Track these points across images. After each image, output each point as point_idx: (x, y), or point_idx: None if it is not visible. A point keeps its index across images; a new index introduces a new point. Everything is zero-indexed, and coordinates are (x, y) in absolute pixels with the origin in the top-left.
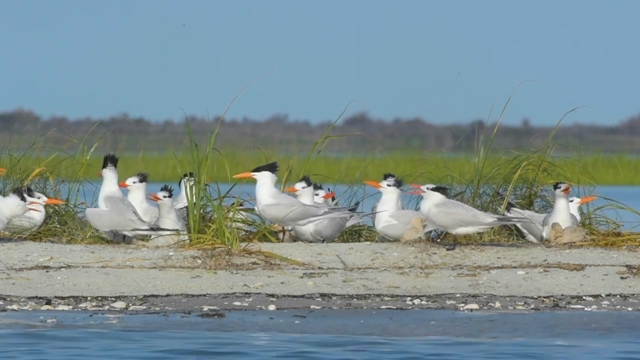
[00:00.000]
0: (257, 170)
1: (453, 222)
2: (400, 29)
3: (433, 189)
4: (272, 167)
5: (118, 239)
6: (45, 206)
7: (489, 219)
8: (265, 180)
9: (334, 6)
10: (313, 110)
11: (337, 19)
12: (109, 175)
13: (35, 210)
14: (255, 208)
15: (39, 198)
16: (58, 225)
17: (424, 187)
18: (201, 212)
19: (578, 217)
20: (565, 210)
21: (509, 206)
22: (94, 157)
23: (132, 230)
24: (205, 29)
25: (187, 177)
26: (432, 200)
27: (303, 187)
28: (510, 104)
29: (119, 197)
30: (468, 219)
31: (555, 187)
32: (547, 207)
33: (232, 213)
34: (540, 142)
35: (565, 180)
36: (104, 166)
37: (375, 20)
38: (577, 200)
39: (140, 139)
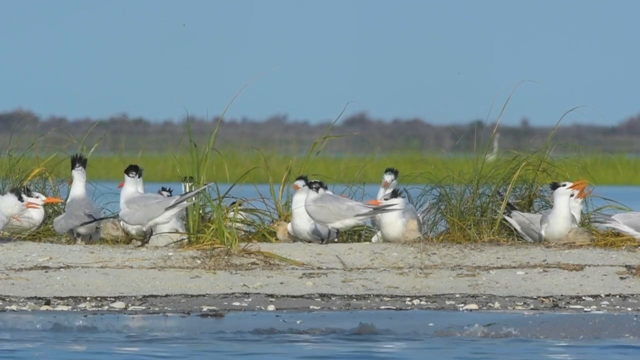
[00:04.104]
0: (126, 171)
1: (330, 216)
2: (400, 29)
3: (306, 184)
4: (134, 169)
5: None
6: (45, 206)
7: (364, 209)
8: (130, 181)
9: (334, 6)
10: (312, 111)
11: (337, 19)
12: (77, 177)
13: (34, 208)
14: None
15: (37, 197)
16: None
17: (298, 182)
18: (200, 212)
19: (578, 217)
20: (565, 208)
21: (509, 207)
22: (93, 157)
23: (81, 225)
24: (205, 29)
25: (187, 180)
26: (308, 196)
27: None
28: (510, 104)
29: (78, 200)
30: (344, 212)
31: (553, 186)
32: (547, 207)
33: (231, 213)
34: (539, 142)
35: (564, 181)
36: (72, 167)
37: (374, 21)
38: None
39: (140, 139)
